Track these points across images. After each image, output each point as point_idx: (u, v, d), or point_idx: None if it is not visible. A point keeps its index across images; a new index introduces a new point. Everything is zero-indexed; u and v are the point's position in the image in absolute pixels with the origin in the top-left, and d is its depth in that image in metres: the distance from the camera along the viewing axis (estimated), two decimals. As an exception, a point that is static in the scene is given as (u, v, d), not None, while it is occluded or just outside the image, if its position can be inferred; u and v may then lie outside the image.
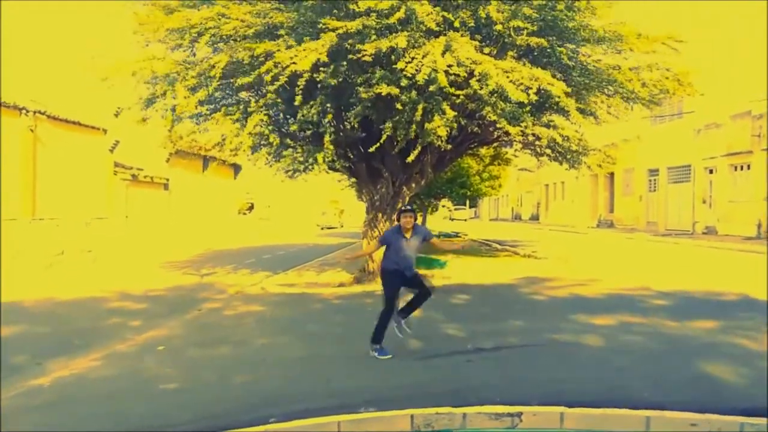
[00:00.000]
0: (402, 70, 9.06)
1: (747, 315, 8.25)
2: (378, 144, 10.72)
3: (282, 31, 10.00)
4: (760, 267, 14.23)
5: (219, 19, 10.05)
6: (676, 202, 29.60)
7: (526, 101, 9.33)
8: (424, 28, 9.27)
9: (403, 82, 9.21)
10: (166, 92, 10.95)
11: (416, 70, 8.95)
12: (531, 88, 9.28)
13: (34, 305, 11.26)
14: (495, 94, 9.41)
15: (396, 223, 6.67)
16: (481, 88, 9.21)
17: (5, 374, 6.32)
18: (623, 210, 35.61)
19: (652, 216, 31.91)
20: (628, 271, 14.16)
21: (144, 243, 24.84)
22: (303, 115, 10.08)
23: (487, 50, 9.66)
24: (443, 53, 9.04)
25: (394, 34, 9.24)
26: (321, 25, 9.37)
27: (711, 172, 26.82)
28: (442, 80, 8.87)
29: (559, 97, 9.44)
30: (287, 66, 9.32)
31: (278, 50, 9.49)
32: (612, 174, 35.93)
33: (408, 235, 6.45)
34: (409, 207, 6.67)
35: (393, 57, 9.33)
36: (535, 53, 10.65)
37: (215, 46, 10.91)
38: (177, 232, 29.33)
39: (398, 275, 6.44)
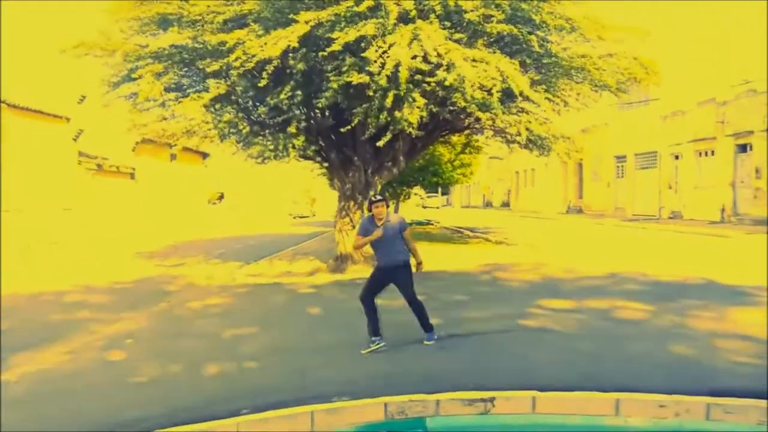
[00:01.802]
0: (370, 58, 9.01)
1: (709, 298, 8.46)
2: (349, 127, 10.65)
3: (250, 19, 9.85)
4: (722, 250, 14.62)
5: (184, 5, 9.88)
6: (644, 187, 30.15)
7: (481, 98, 9.40)
8: (392, 17, 9.21)
9: (374, 69, 9.15)
10: (130, 76, 10.74)
11: (381, 66, 8.91)
12: (495, 85, 9.30)
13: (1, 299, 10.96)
14: (462, 82, 9.41)
15: (368, 213, 6.49)
16: (448, 75, 9.20)
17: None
18: (592, 196, 36.15)
19: (620, 201, 32.47)
20: (598, 255, 14.39)
21: (111, 234, 24.37)
22: (272, 100, 9.98)
23: (457, 37, 9.64)
24: (410, 43, 9.00)
25: (363, 22, 9.16)
26: (292, 16, 9.27)
27: (677, 158, 27.36)
28: (403, 77, 8.85)
29: (522, 91, 9.53)
30: (255, 54, 9.20)
31: (248, 39, 9.36)
32: (581, 161, 36.42)
33: (380, 224, 6.21)
34: (380, 196, 6.38)
35: (363, 44, 9.27)
36: (506, 40, 10.68)
37: (181, 31, 10.69)
38: (145, 222, 28.84)
39: (384, 271, 6.29)
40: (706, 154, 25.37)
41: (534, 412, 2.49)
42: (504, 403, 2.65)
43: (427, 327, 6.38)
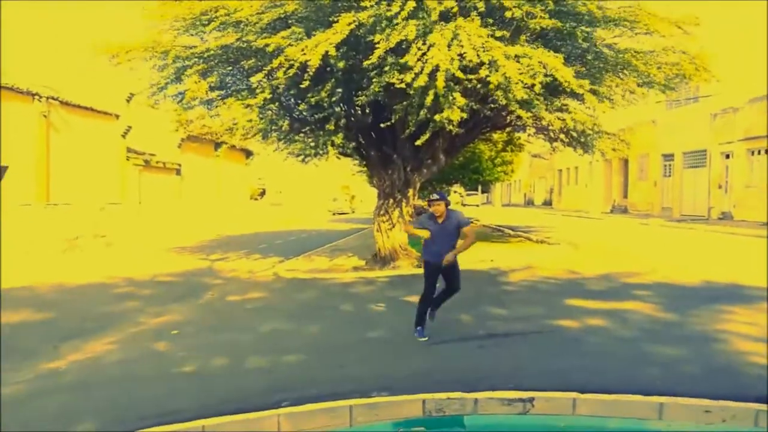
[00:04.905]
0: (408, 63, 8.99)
1: (754, 303, 8.16)
2: (388, 123, 10.66)
3: (292, 20, 9.96)
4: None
5: (228, 8, 10.05)
6: (692, 187, 29.26)
7: (530, 94, 9.24)
8: (434, 16, 9.16)
9: (415, 69, 9.12)
10: (177, 77, 10.98)
11: (420, 69, 8.87)
12: (537, 77, 9.13)
13: (50, 290, 11.40)
14: (508, 82, 9.29)
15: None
16: (491, 74, 9.09)
17: (22, 357, 6.42)
18: (637, 195, 35.29)
19: (667, 201, 31.60)
20: (643, 256, 14.06)
21: (157, 228, 25.02)
22: (312, 97, 10.06)
23: (499, 34, 9.52)
24: (449, 44, 8.92)
25: (403, 23, 9.14)
26: (332, 18, 9.33)
27: (727, 157, 26.45)
28: (440, 84, 8.79)
29: (567, 82, 9.32)
30: (297, 59, 9.29)
31: (289, 45, 9.44)
32: (626, 159, 35.58)
33: (440, 221, 6.46)
34: (438, 194, 6.57)
35: (403, 45, 9.24)
36: (549, 36, 10.50)
37: (225, 31, 10.87)
38: (189, 217, 29.49)
39: (434, 265, 6.52)
40: (759, 152, 24.47)
41: (574, 413, 2.45)
42: (544, 403, 2.62)
43: (419, 322, 6.59)
